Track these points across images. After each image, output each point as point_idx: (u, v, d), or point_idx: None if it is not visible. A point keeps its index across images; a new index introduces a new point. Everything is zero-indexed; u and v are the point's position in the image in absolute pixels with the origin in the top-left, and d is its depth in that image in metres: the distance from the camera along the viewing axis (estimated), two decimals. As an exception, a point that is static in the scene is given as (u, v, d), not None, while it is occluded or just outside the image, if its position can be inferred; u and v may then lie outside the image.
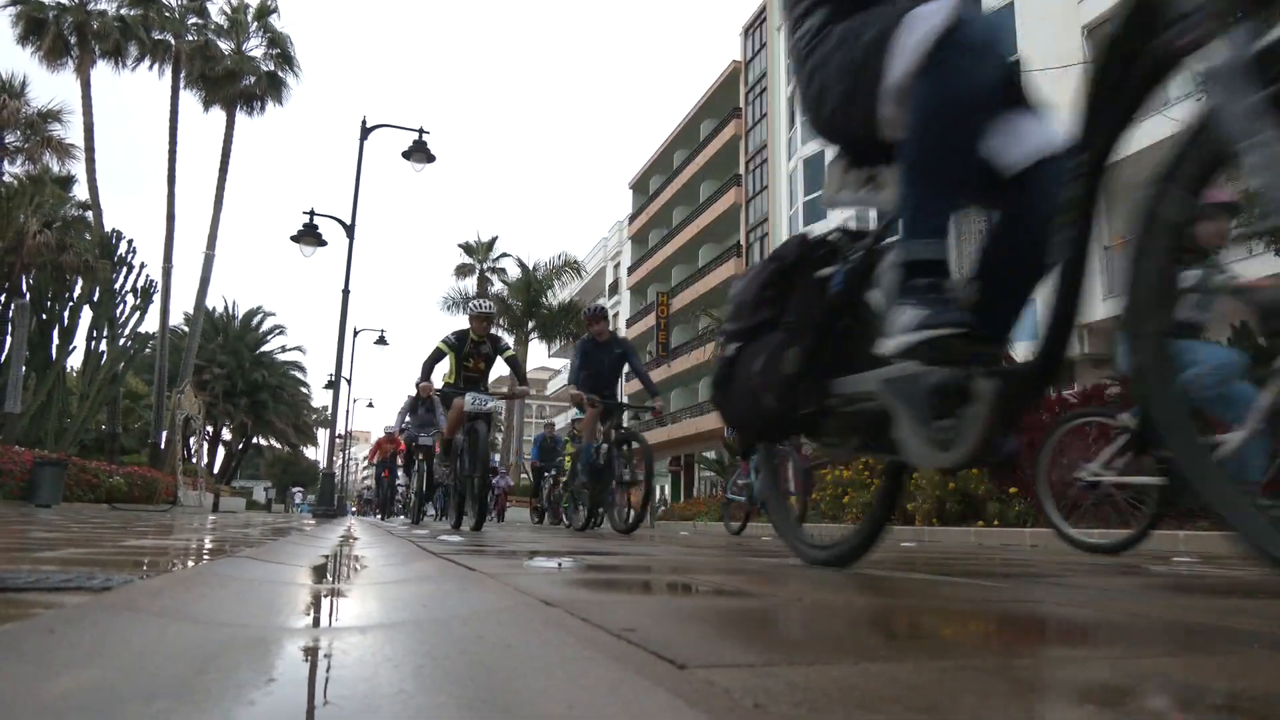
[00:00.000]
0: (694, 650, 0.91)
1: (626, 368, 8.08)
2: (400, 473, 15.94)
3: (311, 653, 1.07)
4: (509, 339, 35.23)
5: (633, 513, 7.40)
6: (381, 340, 31.93)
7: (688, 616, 1.27)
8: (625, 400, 8.69)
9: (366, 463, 19.61)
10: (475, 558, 2.47)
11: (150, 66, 29.94)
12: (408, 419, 12.59)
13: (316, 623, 1.45)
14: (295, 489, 55.35)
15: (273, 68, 31.46)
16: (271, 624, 1.33)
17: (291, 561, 2.71)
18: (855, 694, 0.74)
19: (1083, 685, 0.81)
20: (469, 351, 7.63)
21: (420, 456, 12.02)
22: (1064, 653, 1.06)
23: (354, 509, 41.38)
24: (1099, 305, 17.90)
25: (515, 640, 1.05)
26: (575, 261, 33.20)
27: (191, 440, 31.08)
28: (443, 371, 7.63)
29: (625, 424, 7.81)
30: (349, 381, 34.93)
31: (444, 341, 7.61)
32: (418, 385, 7.60)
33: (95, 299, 22.35)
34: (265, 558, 2.62)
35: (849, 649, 1.01)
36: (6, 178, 22.76)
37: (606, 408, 7.75)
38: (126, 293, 23.14)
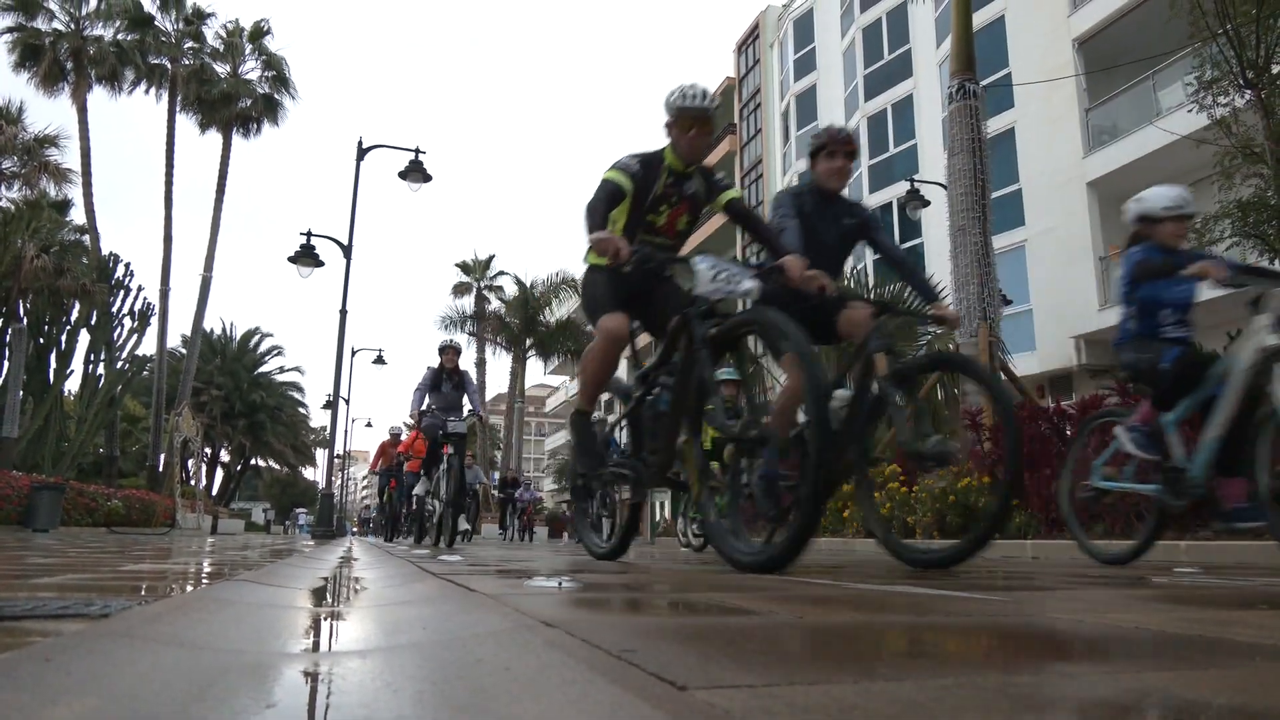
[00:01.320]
0: (694, 671, 0.90)
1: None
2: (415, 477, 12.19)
3: (311, 678, 1.06)
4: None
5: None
6: (379, 360, 31.90)
7: (688, 636, 1.26)
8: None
9: (368, 473, 15.91)
10: (475, 578, 2.46)
11: (147, 90, 30.10)
12: (427, 400, 9.03)
13: (315, 647, 1.44)
14: (299, 510, 55.13)
15: (268, 90, 31.59)
16: (270, 649, 1.32)
17: (290, 584, 2.70)
18: (856, 713, 0.74)
19: (1084, 701, 0.81)
20: (665, 193, 4.00)
21: (449, 450, 8.72)
22: (1065, 668, 1.05)
23: (354, 529, 41.25)
24: (1095, 316, 17.96)
25: (515, 663, 1.04)
26: (573, 279, 33.23)
27: (190, 462, 30.99)
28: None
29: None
30: (347, 401, 34.88)
31: (619, 168, 3.92)
32: (604, 240, 3.46)
33: (93, 322, 22.35)
34: (264, 581, 2.61)
35: (850, 667, 1.00)
36: (4, 203, 22.82)
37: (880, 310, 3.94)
38: (124, 316, 23.14)
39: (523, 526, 20.97)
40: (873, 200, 25.82)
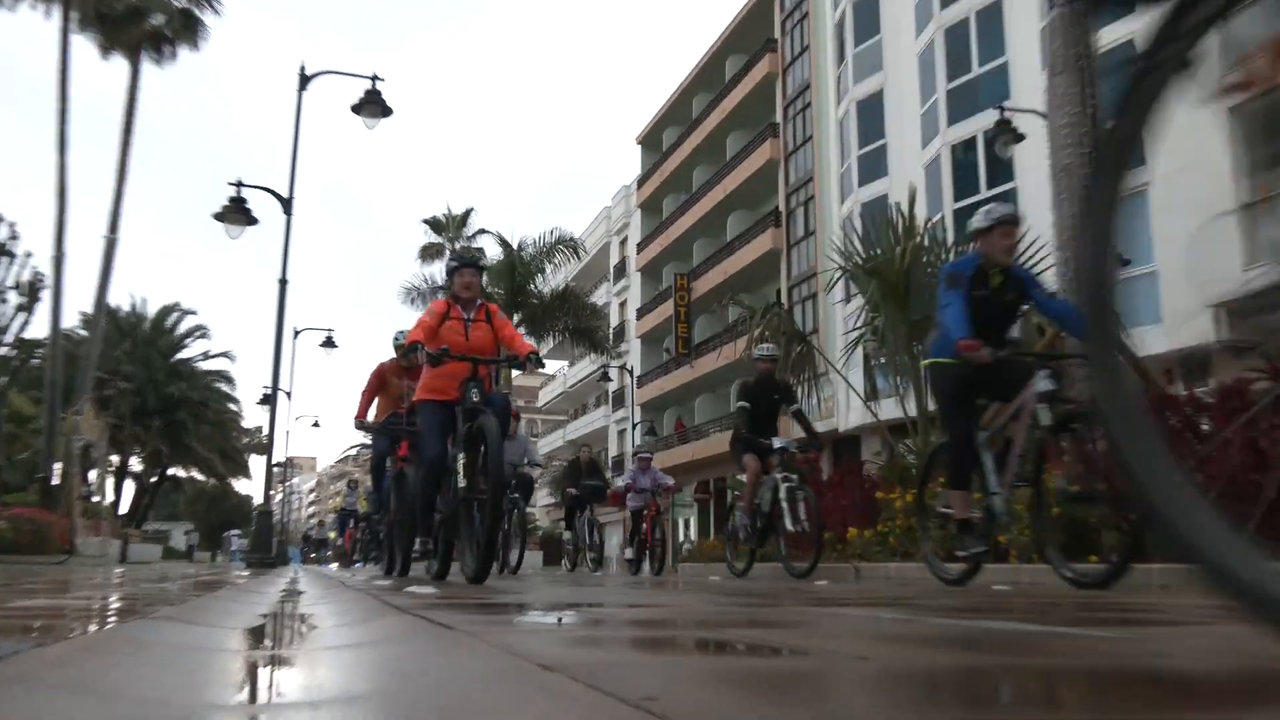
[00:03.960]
0: (734, 723, 0.91)
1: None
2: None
3: (250, 735, 1.07)
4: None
5: None
6: (329, 343, 31.99)
7: (722, 681, 1.27)
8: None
9: (356, 423, 9.64)
10: (452, 613, 2.47)
11: (34, 5, 30.18)
12: None
13: (254, 698, 1.46)
14: (231, 532, 55.64)
15: (186, 4, 31.65)
16: (199, 699, 1.33)
17: (221, 623, 2.72)
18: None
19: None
20: None
21: None
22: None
23: (299, 553, 41.53)
24: (1239, 278, 17.81)
25: (505, 712, 1.05)
26: (571, 238, 33.18)
27: (92, 473, 31.24)
28: None
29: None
30: (289, 395, 35.08)
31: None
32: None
33: (-33, 298, 22.54)
34: (189, 619, 2.64)
35: None
36: None
37: None
38: (8, 289, 23.33)
39: (641, 548, 14.29)
40: (953, 134, 25.65)
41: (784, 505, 9.07)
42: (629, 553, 14.68)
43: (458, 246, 37.07)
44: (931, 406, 14.18)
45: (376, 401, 9.38)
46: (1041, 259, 12.86)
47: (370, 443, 10.20)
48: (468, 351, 6.43)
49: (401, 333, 9.25)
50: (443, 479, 6.56)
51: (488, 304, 6.95)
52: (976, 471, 5.84)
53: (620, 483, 15.44)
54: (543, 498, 52.64)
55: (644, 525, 14.31)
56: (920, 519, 6.96)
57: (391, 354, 9.42)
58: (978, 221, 5.97)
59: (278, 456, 30.36)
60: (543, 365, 7.15)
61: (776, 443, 9.54)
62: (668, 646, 1.86)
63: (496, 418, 6.08)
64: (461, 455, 6.24)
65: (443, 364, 6.34)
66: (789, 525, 9.00)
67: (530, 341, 7.50)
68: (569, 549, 15.26)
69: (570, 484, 14.96)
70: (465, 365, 6.38)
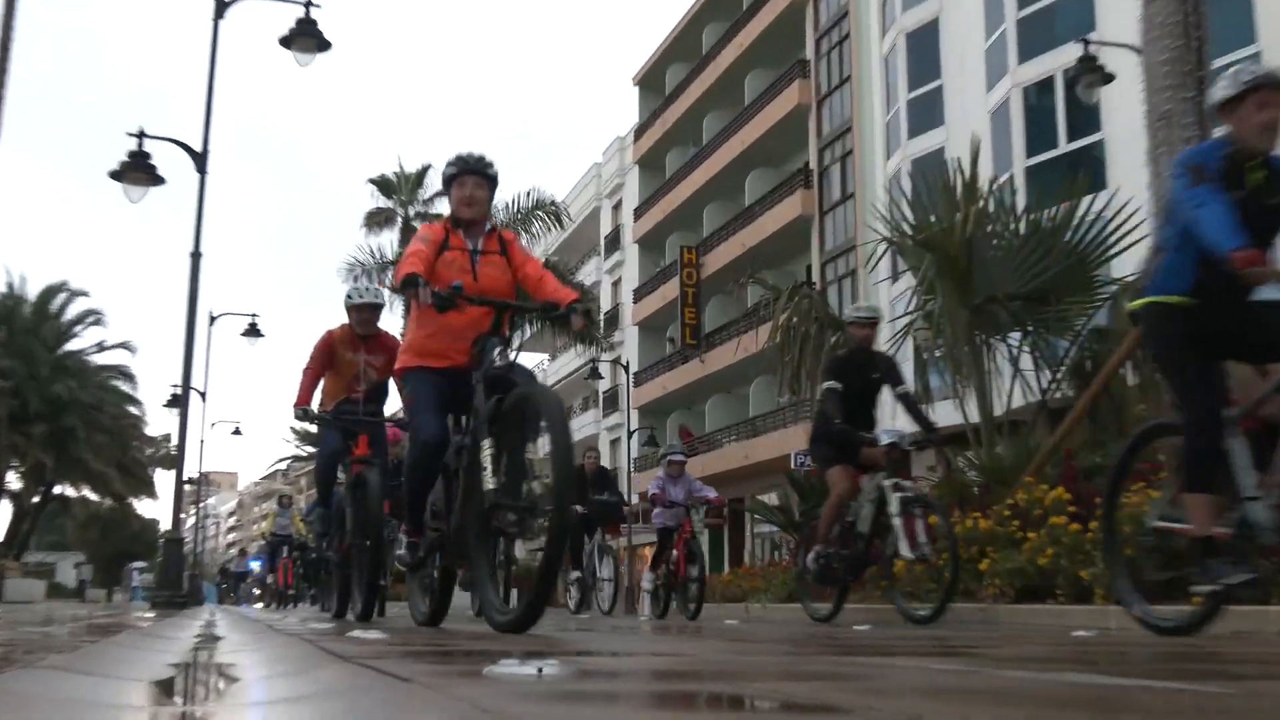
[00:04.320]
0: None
1: None
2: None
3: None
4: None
5: None
6: (253, 331, 31.89)
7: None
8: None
9: (295, 410, 7.97)
10: (406, 663, 2.48)
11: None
12: None
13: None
14: (133, 565, 55.59)
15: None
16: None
17: (122, 674, 2.73)
18: None
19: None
20: None
21: None
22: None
23: (216, 590, 41.56)
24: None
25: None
26: (552, 202, 33.07)
27: (-40, 492, 31.29)
28: None
29: None
30: (203, 395, 35.03)
31: None
32: None
33: None
34: (82, 668, 2.64)
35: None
36: None
37: None
38: None
39: (672, 580, 13.30)
40: (1024, 74, 25.62)
41: (895, 523, 7.89)
42: (647, 580, 14.07)
43: (411, 212, 37.07)
44: (1015, 404, 14.13)
45: (324, 383, 8.21)
46: (1135, 227, 12.84)
47: (313, 444, 9.91)
48: (478, 294, 5.28)
49: (357, 289, 8.40)
50: (438, 472, 5.51)
51: (501, 231, 5.84)
52: (1221, 467, 4.82)
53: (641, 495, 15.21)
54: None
55: (675, 551, 13.19)
56: (1108, 539, 5.89)
57: (343, 319, 8.24)
58: (1224, 89, 4.92)
59: (190, 471, 30.30)
60: (592, 321, 5.77)
61: (884, 436, 8.31)
62: (675, 703, 1.87)
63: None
64: (488, 443, 5.13)
65: (453, 309, 5.10)
66: (906, 552, 7.88)
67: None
68: (574, 584, 14.60)
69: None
70: (479, 315, 5.31)
